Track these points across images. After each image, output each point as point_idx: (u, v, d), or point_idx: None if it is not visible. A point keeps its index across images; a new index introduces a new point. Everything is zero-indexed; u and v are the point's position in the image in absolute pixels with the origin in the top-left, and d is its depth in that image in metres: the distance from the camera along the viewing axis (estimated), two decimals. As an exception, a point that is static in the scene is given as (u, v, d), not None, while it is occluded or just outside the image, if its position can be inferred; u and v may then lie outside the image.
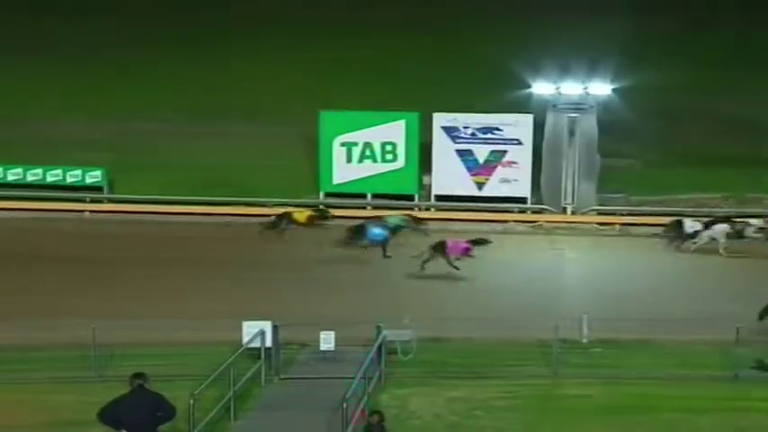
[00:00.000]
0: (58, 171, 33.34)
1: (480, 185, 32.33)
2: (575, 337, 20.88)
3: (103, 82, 41.13)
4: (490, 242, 26.27)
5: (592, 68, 31.89)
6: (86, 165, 33.50)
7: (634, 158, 35.00)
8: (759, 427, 16.78)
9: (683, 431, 16.68)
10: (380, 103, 34.51)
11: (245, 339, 18.35)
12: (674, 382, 18.78)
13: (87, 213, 32.69)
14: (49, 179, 33.29)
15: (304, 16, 47.54)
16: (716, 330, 19.76)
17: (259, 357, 18.43)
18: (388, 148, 32.48)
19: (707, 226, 28.51)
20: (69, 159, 33.93)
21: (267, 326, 18.71)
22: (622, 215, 31.64)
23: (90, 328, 18.82)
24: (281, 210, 30.38)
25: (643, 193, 32.63)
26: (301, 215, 29.92)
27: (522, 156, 32.01)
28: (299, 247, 28.89)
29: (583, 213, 31.83)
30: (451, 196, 32.36)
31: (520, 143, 31.98)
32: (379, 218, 28.56)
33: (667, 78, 38.35)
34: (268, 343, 18.63)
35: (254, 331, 18.48)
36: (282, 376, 18.89)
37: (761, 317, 19.09)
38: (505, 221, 31.71)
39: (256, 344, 18.43)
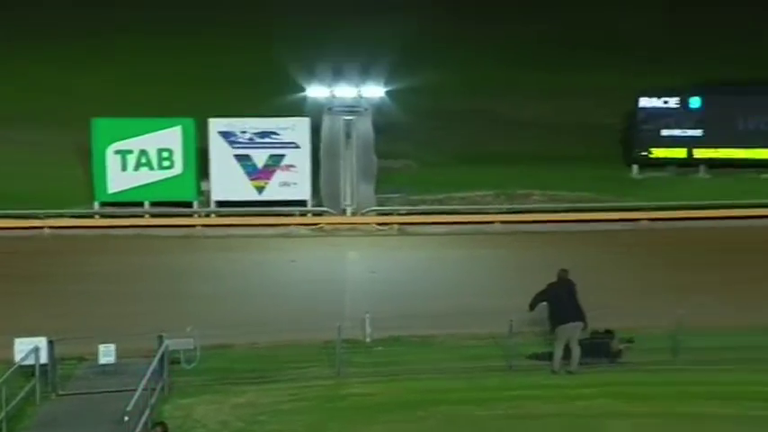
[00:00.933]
0: None
1: (260, 190, 32.29)
2: (358, 337, 21.23)
3: None
4: None
5: (365, 71, 32.38)
6: None
7: (410, 159, 35.83)
8: (532, 415, 17.55)
9: (462, 422, 17.23)
10: (155, 110, 33.87)
11: (18, 357, 17.71)
12: (453, 375, 19.35)
13: None
14: None
15: (79, 21, 46.28)
16: (490, 323, 20.54)
17: (33, 375, 17.82)
18: (165, 154, 31.97)
19: None
20: None
21: (42, 342, 18.13)
22: (401, 215, 32.29)
23: None
24: None
25: (420, 192, 33.35)
26: None
27: (300, 159, 32.16)
28: (73, 259, 28.12)
29: (362, 214, 32.29)
30: (231, 202, 32.20)
31: (297, 146, 32.11)
32: None
33: (440, 80, 39.42)
34: (43, 359, 18.05)
35: (28, 348, 17.86)
36: (60, 392, 18.33)
37: (531, 307, 19.93)
38: (287, 225, 31.82)
39: (31, 361, 17.82)
